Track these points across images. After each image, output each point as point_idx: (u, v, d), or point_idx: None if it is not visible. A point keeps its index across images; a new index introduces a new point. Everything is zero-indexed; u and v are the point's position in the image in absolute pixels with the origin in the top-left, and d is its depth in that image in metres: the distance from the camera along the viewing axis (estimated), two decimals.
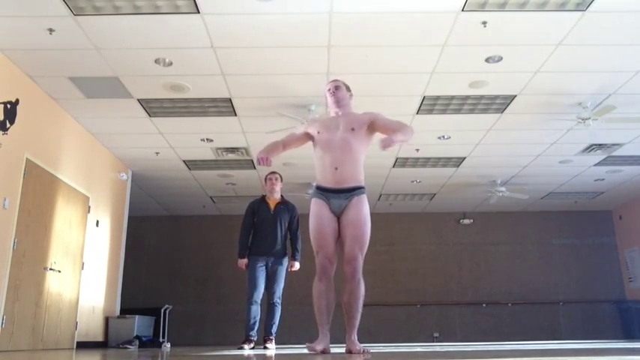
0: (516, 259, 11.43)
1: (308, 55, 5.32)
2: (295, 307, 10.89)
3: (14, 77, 5.46)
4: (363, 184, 3.48)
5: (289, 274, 5.89)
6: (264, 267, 5.63)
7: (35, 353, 4.80)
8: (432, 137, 7.42)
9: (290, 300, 10.98)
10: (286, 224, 5.78)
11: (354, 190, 3.39)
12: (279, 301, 5.66)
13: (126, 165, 8.51)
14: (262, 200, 5.86)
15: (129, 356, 3.91)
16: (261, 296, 5.59)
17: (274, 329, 5.63)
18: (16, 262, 5.48)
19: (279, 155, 3.69)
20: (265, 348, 5.47)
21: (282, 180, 5.95)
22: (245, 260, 5.64)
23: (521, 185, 9.52)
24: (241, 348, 5.36)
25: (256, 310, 5.54)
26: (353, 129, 3.49)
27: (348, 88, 3.72)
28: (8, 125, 5.36)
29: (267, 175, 5.96)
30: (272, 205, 5.78)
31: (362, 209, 3.36)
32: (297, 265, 5.83)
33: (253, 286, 5.55)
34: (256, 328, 5.53)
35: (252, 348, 5.42)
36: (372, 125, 3.55)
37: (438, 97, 6.26)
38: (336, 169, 3.41)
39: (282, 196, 5.92)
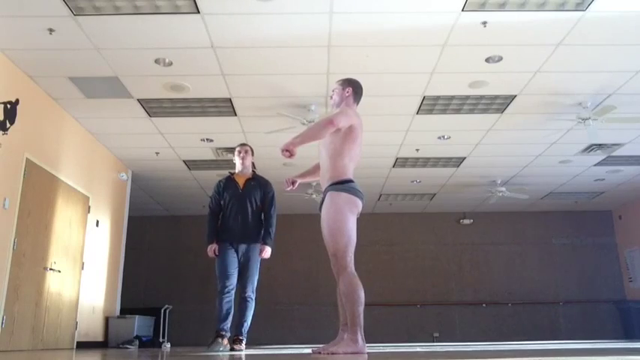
0: (516, 259, 11.43)
1: (308, 55, 5.32)
2: (295, 307, 10.92)
3: (14, 77, 5.46)
4: (337, 179, 3.30)
5: (272, 266, 5.26)
6: (235, 253, 4.86)
7: (35, 353, 4.80)
8: (432, 137, 7.42)
9: (290, 300, 11.06)
10: (259, 203, 4.96)
11: (327, 188, 3.37)
12: (252, 295, 4.86)
13: (126, 165, 8.51)
14: (230, 178, 5.08)
15: (129, 356, 3.91)
16: (234, 285, 4.81)
17: (245, 328, 4.84)
18: (16, 262, 5.48)
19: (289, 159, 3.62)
20: (232, 349, 4.71)
21: (253, 153, 5.24)
22: (214, 245, 4.88)
23: (521, 185, 9.53)
24: (215, 343, 4.61)
25: (230, 302, 4.76)
26: None
27: (344, 83, 3.61)
28: (8, 125, 5.36)
29: (235, 148, 5.21)
30: (241, 183, 4.99)
31: (326, 207, 3.28)
32: (268, 251, 4.92)
33: (224, 275, 4.77)
34: (229, 321, 4.78)
35: (226, 345, 4.73)
36: None
37: (438, 97, 6.26)
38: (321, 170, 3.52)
39: (253, 171, 5.16)
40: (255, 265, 4.88)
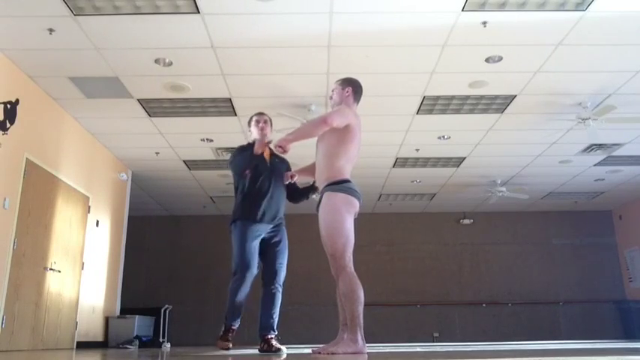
0: (516, 259, 11.43)
1: (308, 55, 5.32)
2: (295, 307, 10.90)
3: (14, 77, 5.46)
4: (333, 179, 3.30)
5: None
6: (258, 239, 4.06)
7: (35, 353, 4.80)
8: (432, 137, 7.42)
9: (290, 300, 11.03)
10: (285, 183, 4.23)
11: (324, 189, 3.37)
12: (280, 288, 4.08)
13: (126, 165, 8.51)
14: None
15: (129, 356, 3.91)
16: (254, 274, 4.04)
17: (275, 322, 4.04)
18: (16, 262, 5.48)
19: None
20: (272, 351, 3.88)
21: (272, 125, 4.40)
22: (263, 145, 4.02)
23: (521, 185, 9.52)
24: (226, 347, 3.99)
25: (247, 293, 4.01)
26: None
27: (344, 83, 3.63)
28: (8, 125, 5.36)
29: (252, 117, 4.34)
30: (266, 158, 4.21)
31: (323, 208, 3.28)
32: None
33: (247, 262, 3.95)
34: (240, 316, 4.08)
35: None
36: None
37: (438, 97, 6.25)
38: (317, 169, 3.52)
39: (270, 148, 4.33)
40: (286, 250, 4.18)
